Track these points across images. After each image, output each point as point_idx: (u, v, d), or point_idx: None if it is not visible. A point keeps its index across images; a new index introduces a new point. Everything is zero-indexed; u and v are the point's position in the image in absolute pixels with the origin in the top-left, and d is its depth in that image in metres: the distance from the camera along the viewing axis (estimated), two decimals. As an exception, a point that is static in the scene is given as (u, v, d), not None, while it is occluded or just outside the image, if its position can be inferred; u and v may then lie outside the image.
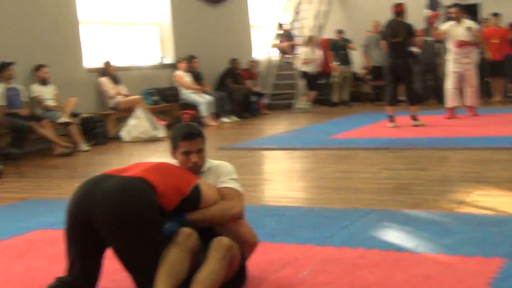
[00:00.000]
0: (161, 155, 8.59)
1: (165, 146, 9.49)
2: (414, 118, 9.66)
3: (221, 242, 3.00)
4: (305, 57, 13.88)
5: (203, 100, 12.06)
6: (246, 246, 3.30)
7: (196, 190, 3.13)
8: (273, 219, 4.59)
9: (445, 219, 4.30)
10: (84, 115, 10.02)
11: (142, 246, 2.89)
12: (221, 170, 3.36)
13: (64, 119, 9.30)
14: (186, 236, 2.95)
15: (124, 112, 10.65)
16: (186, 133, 3.26)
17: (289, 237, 4.09)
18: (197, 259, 2.99)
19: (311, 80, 14.04)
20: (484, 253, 3.52)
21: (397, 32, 9.61)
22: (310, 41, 14.09)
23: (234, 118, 12.66)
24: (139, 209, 2.89)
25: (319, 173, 6.45)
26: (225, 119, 12.43)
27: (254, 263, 3.54)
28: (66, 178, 7.01)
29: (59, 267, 3.20)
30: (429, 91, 13.27)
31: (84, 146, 9.36)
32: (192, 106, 12.06)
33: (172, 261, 2.87)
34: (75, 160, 8.53)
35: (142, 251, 2.89)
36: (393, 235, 4.01)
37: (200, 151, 3.28)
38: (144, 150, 9.10)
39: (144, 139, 10.07)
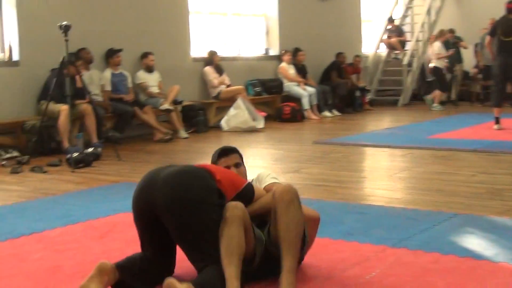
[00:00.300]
0: (259, 146, 8.66)
1: (263, 137, 9.68)
2: (519, 121, 9.25)
3: (282, 189, 3.07)
4: (438, 52, 13.40)
5: (305, 93, 12.03)
6: (309, 223, 3.33)
7: (250, 186, 3.28)
8: (353, 217, 4.51)
9: (533, 229, 4.09)
10: (186, 103, 10.22)
11: (201, 224, 2.96)
12: (261, 176, 3.56)
13: (166, 106, 9.52)
14: (233, 208, 3.00)
15: (225, 102, 10.77)
16: (222, 150, 3.57)
17: (365, 236, 3.99)
18: (251, 228, 3.07)
19: (443, 77, 13.55)
20: None
21: (510, 30, 9.19)
22: (441, 35, 13.59)
23: (336, 113, 12.55)
24: (197, 189, 3.00)
25: (411, 173, 6.28)
26: (327, 113, 12.33)
27: (323, 260, 3.51)
28: (160, 163, 7.09)
29: (135, 249, 3.27)
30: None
31: (183, 134, 9.56)
32: (295, 99, 12.05)
33: (228, 238, 2.92)
34: (173, 146, 8.72)
35: (201, 230, 2.96)
36: (474, 242, 3.84)
37: (238, 165, 3.52)
38: (241, 140, 9.17)
39: (243, 129, 10.15)
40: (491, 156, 7.09)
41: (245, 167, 3.59)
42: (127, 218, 4.51)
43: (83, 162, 7.11)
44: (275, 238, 3.12)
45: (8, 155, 7.77)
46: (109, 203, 5.13)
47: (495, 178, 5.83)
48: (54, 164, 7.19)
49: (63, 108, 8.09)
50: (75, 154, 7.15)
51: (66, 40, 7.16)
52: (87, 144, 8.13)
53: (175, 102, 9.80)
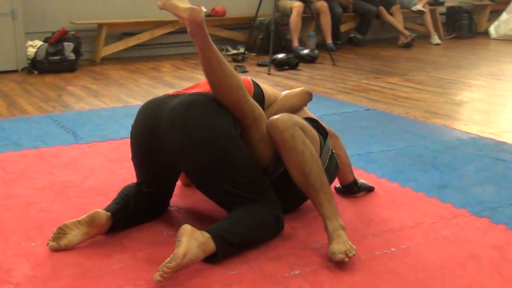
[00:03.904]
0: (503, 59, 7.33)
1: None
2: None
3: (277, 126, 2.44)
4: None
5: None
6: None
7: (256, 84, 2.80)
8: (484, 163, 3.46)
9: None
10: (450, 4, 9.05)
11: (223, 165, 2.43)
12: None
13: (418, 6, 8.53)
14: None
15: (503, 4, 9.29)
16: None
17: (460, 194, 3.01)
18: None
19: None
20: None
21: None
22: None
23: None
24: (209, 124, 2.45)
25: None
26: None
27: (362, 216, 2.72)
28: (375, 73, 6.41)
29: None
30: None
31: (435, 39, 8.51)
32: None
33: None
34: (411, 53, 7.82)
35: (225, 171, 2.44)
36: None
37: None
38: (498, 51, 7.86)
39: (514, 38, 8.71)
40: None
41: None
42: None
43: (288, 65, 6.70)
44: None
45: (233, 51, 7.69)
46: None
47: None
48: (263, 64, 6.89)
49: (296, 5, 7.74)
50: (281, 55, 6.77)
51: None
52: (321, 45, 7.69)
53: (433, 3, 8.71)
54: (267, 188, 2.52)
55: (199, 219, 2.68)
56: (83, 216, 2.44)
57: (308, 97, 2.91)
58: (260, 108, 2.58)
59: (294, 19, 7.72)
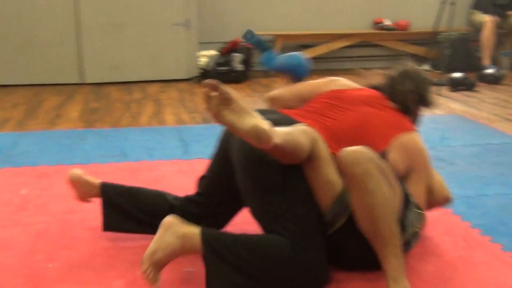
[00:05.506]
0: None
1: None
2: None
3: (350, 159, 2.03)
4: None
5: None
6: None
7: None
8: None
9: None
10: None
11: (277, 191, 2.14)
12: None
13: None
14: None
15: None
16: None
17: None
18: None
19: None
20: None
21: None
22: None
23: None
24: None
25: None
26: None
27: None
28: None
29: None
30: None
31: None
32: None
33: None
34: None
35: (276, 200, 2.14)
36: None
37: None
38: None
39: None
40: None
41: None
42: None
43: (463, 85, 6.10)
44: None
45: (416, 68, 7.20)
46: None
47: None
48: (439, 84, 6.32)
49: (489, 19, 7.08)
50: (457, 74, 6.19)
51: None
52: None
53: None
54: (313, 234, 2.11)
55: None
56: None
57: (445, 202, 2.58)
58: (319, 147, 2.17)
59: (486, 35, 7.05)
